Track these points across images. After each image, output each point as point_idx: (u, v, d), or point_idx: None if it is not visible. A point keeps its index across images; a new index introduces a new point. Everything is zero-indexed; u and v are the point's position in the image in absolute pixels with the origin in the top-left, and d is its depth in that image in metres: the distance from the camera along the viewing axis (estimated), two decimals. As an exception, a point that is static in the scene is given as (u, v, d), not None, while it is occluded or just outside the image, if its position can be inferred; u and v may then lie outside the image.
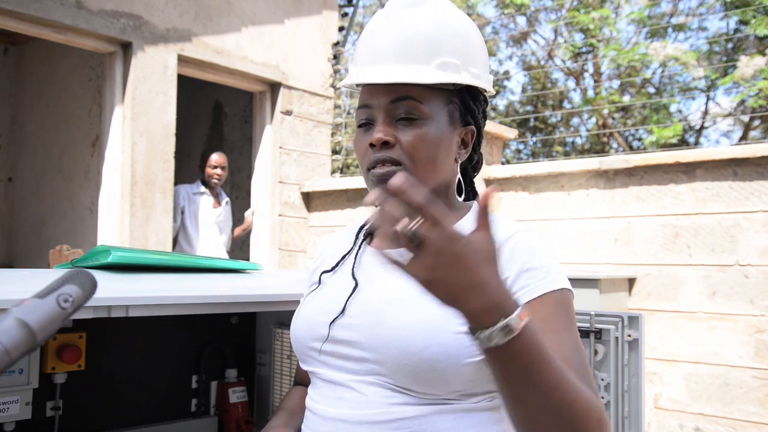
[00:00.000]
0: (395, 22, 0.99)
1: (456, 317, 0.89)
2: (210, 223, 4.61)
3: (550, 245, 0.96)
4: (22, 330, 0.59)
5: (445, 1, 1.03)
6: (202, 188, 4.62)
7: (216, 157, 4.59)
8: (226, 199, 4.77)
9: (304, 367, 1.04)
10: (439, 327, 0.88)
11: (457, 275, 0.70)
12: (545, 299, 0.91)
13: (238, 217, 5.16)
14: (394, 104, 0.97)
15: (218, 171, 4.59)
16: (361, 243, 1.07)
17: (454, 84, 1.00)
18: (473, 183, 1.15)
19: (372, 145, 0.97)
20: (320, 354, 0.98)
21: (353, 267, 1.02)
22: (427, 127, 0.97)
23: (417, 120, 0.97)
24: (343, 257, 1.07)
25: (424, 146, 0.96)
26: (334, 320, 0.97)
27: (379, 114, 0.98)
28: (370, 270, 1.02)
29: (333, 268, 1.07)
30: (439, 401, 0.90)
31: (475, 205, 1.08)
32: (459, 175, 1.06)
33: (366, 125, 1.00)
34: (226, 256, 4.70)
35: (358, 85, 1.05)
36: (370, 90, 0.99)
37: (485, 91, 1.07)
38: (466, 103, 1.03)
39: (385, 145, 0.96)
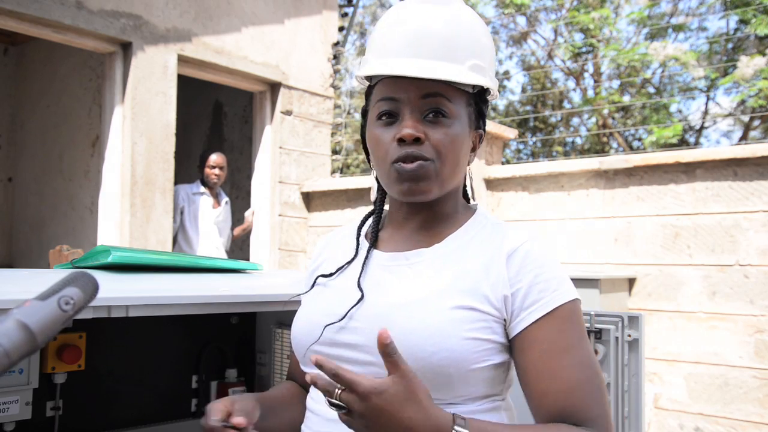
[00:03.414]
0: (429, 19, 0.98)
1: (463, 322, 0.90)
2: (209, 223, 4.61)
3: (556, 253, 0.98)
4: (23, 332, 0.59)
5: (461, 1, 1.03)
6: (202, 188, 4.62)
7: (215, 158, 4.60)
8: (225, 199, 4.77)
9: (306, 370, 1.03)
10: (448, 332, 0.88)
11: (388, 425, 0.78)
12: (555, 315, 0.91)
13: (238, 217, 5.16)
14: (425, 100, 0.95)
15: (216, 171, 4.59)
16: (368, 250, 1.05)
17: (473, 86, 1.00)
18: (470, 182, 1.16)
19: (401, 141, 0.95)
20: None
21: (359, 277, 1.00)
22: (454, 126, 0.97)
23: (446, 118, 0.96)
24: (349, 263, 1.05)
25: (451, 145, 0.96)
26: (333, 324, 0.97)
27: (407, 108, 0.96)
28: (374, 274, 1.01)
29: (334, 273, 1.05)
30: (442, 406, 0.90)
31: (479, 208, 1.07)
32: (469, 178, 1.07)
33: (388, 118, 0.98)
34: (225, 257, 4.70)
35: (367, 77, 1.04)
36: (398, 83, 0.96)
37: (489, 95, 1.07)
38: (479, 106, 1.03)
39: (416, 141, 0.95)
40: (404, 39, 0.97)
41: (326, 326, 0.97)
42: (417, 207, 1.02)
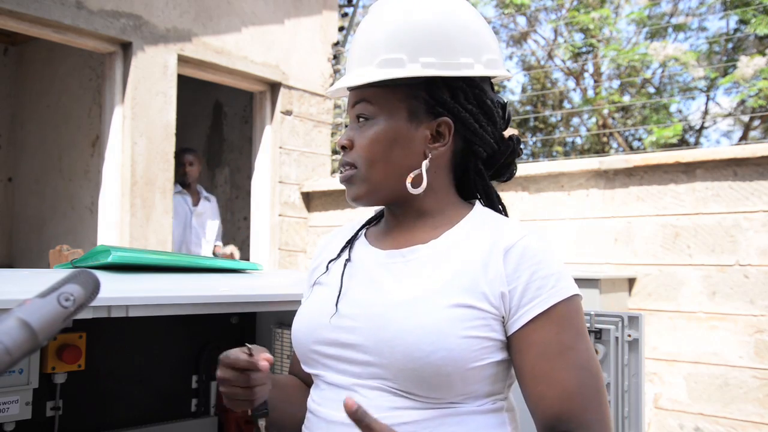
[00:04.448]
0: (361, 28, 1.05)
1: (461, 321, 0.89)
2: (190, 221, 4.64)
3: (556, 249, 0.95)
4: (24, 330, 0.59)
5: None
6: (179, 188, 4.64)
7: (186, 155, 4.62)
8: (205, 195, 4.79)
9: (306, 369, 1.03)
10: (446, 331, 0.88)
11: None
12: (553, 314, 0.90)
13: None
14: (354, 108, 1.02)
15: (186, 168, 4.60)
16: (354, 236, 1.09)
17: (416, 77, 0.96)
18: (482, 174, 1.06)
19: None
20: (323, 357, 0.98)
21: (344, 268, 1.03)
22: (377, 126, 0.98)
23: (369, 120, 1.00)
24: (339, 254, 1.07)
25: (374, 146, 0.98)
26: (331, 318, 0.97)
27: (349, 118, 1.04)
28: (370, 270, 1.01)
29: (326, 271, 1.07)
30: (443, 405, 0.90)
31: (477, 204, 1.05)
32: (425, 167, 0.98)
33: None
34: (211, 255, 4.73)
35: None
36: (348, 96, 1.05)
37: (487, 77, 1.02)
38: (435, 94, 0.98)
39: (344, 148, 1.02)
40: (349, 55, 1.05)
41: (331, 317, 0.98)
42: (396, 208, 1.04)
